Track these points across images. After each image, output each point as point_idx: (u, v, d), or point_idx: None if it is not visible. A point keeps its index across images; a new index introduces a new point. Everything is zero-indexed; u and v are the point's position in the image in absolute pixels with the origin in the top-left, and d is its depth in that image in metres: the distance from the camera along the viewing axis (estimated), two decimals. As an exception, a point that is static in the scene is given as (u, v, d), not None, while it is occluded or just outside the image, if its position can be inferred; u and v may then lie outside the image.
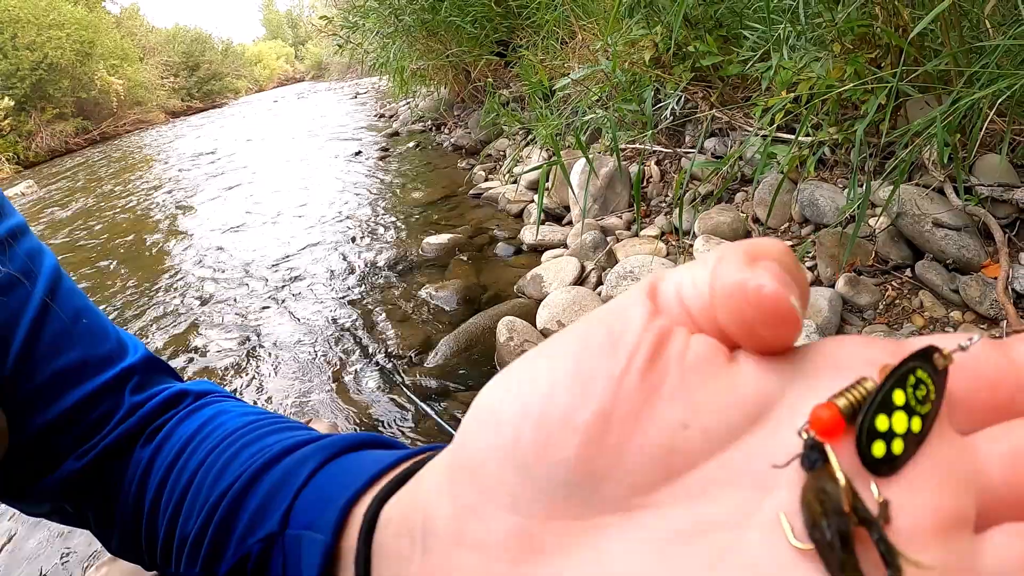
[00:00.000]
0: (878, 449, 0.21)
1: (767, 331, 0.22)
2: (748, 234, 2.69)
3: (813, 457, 0.21)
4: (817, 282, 2.30)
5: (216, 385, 0.61)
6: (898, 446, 0.21)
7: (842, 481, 0.20)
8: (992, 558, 0.20)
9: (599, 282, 2.75)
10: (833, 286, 2.22)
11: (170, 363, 0.61)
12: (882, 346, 0.23)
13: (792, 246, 2.47)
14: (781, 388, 0.22)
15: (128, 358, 0.57)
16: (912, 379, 0.22)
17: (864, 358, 0.23)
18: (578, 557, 0.22)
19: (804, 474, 0.21)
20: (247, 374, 2.81)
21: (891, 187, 2.12)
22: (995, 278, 2.03)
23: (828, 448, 0.21)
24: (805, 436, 0.21)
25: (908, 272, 2.23)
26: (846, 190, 2.41)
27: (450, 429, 2.24)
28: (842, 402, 0.21)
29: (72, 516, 0.55)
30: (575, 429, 0.22)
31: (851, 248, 2.17)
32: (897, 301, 2.16)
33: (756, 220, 2.71)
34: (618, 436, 0.22)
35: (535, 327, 2.54)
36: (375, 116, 8.35)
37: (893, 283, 2.21)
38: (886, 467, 0.21)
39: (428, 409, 2.36)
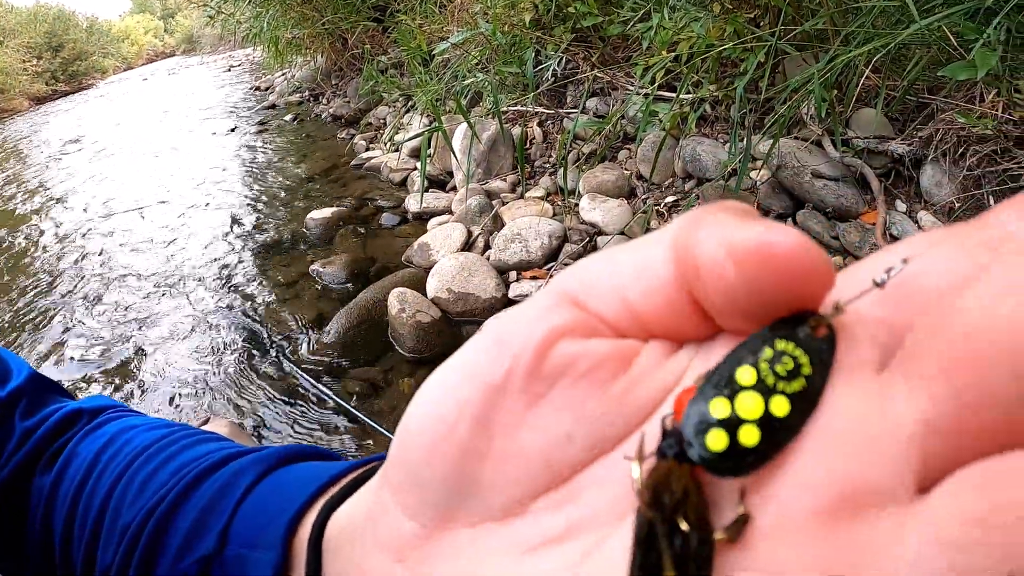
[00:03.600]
0: (715, 442, 0.18)
1: (794, 290, 0.18)
2: (633, 191, 2.72)
3: (668, 446, 0.18)
4: (702, 235, 2.31)
5: (111, 399, 0.55)
6: (750, 436, 0.17)
7: (634, 474, 0.19)
8: (921, 534, 0.15)
9: (487, 246, 2.72)
10: (718, 238, 2.24)
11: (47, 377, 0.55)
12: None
13: (676, 200, 2.53)
14: (675, 378, 0.21)
15: (13, 380, 0.52)
16: (768, 352, 0.18)
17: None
18: (464, 561, 0.22)
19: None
20: (132, 378, 2.61)
21: (771, 141, 2.18)
22: (873, 224, 2.11)
23: (643, 437, 0.19)
24: (668, 423, 0.19)
25: (790, 221, 2.28)
26: (727, 145, 2.45)
27: (349, 407, 2.19)
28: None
29: None
30: (455, 439, 0.22)
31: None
32: (779, 250, 2.21)
33: (640, 177, 2.73)
34: (498, 446, 0.21)
35: (426, 296, 2.50)
36: (250, 89, 8.02)
37: (775, 233, 2.25)
38: (736, 463, 0.17)
39: (325, 390, 2.30)
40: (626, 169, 2.80)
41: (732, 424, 0.17)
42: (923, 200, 2.14)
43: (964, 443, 0.15)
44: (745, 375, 0.18)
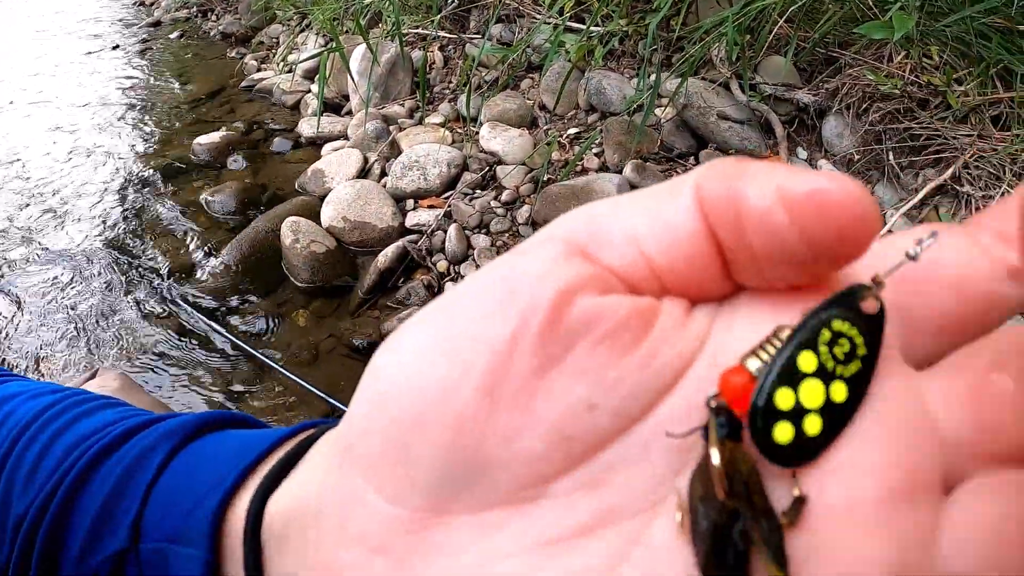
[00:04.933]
0: (782, 433, 0.17)
1: (848, 237, 0.17)
2: (535, 120, 2.70)
3: (719, 426, 0.18)
4: (604, 168, 2.34)
5: None
6: (813, 425, 0.17)
7: (715, 461, 0.17)
8: (955, 528, 0.17)
9: (383, 173, 2.66)
10: (620, 172, 2.27)
11: None
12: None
13: (579, 133, 2.52)
14: (699, 343, 0.19)
15: None
16: (826, 334, 0.18)
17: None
18: (469, 558, 0.19)
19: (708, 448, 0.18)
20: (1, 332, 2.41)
21: (679, 79, 2.21)
22: None
23: (712, 421, 0.18)
24: (713, 403, 0.18)
25: (692, 160, 2.33)
26: (634, 80, 2.46)
27: (247, 347, 2.13)
28: (754, 364, 0.18)
29: None
30: (454, 408, 0.19)
31: (639, 136, 2.22)
32: (682, 187, 2.25)
33: (543, 107, 2.71)
34: (506, 418, 0.18)
35: (321, 225, 2.45)
36: (133, 4, 7.53)
37: (678, 170, 2.31)
38: (800, 453, 0.17)
39: (217, 327, 2.23)
40: (529, 99, 2.77)
41: (796, 414, 0.17)
42: (824, 149, 2.22)
43: (974, 458, 0.17)
44: (806, 361, 0.17)
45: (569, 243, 0.20)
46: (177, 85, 4.50)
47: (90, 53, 5.80)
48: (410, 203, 2.47)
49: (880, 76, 2.01)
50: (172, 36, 5.72)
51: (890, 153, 2.07)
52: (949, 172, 1.95)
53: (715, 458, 0.17)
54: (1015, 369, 0.17)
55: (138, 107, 4.25)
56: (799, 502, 0.17)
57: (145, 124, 3.95)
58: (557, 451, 0.18)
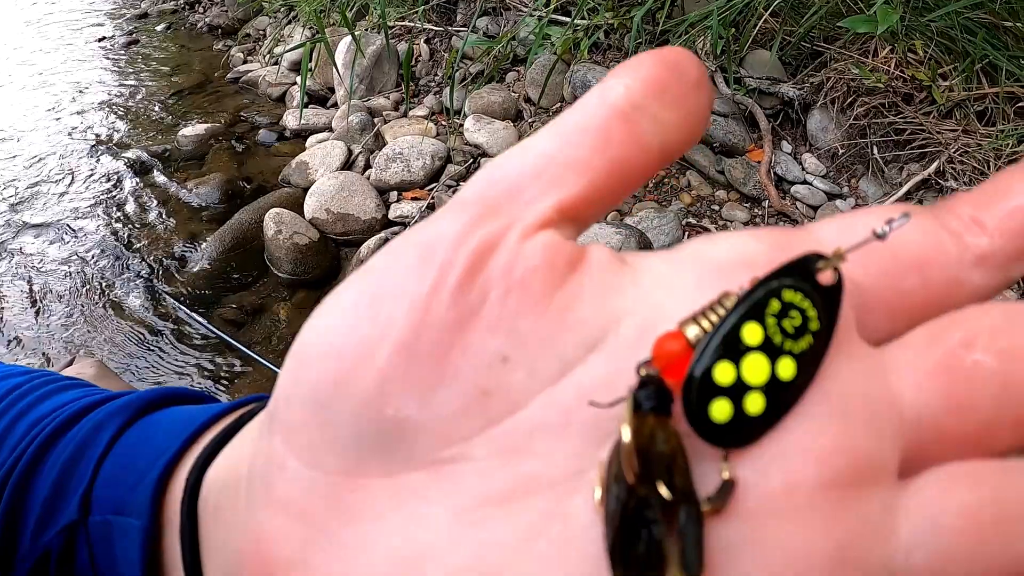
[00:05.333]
0: (719, 411, 0.16)
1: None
2: (519, 113, 2.69)
3: (645, 398, 0.16)
4: (588, 161, 2.31)
5: None
6: (755, 403, 0.16)
7: (626, 438, 0.16)
8: (916, 518, 0.16)
9: (367, 165, 2.64)
10: (604, 164, 2.25)
11: None
12: (771, 239, 0.19)
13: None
14: (632, 302, 0.18)
15: None
16: (775, 304, 0.16)
17: (741, 258, 0.18)
18: (387, 524, 0.18)
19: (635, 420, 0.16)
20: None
21: None
22: (759, 162, 2.20)
23: (629, 393, 0.16)
24: (643, 372, 0.16)
25: (676, 155, 2.32)
26: (619, 73, 2.44)
27: (228, 338, 2.12)
28: (692, 331, 0.16)
29: None
30: (373, 367, 0.18)
31: (622, 129, 2.21)
32: (666, 180, 2.26)
33: (528, 100, 2.70)
34: (424, 374, 0.18)
35: (304, 217, 2.44)
36: (121, -4, 7.52)
37: (661, 162, 2.29)
38: (738, 434, 0.16)
39: (198, 318, 2.22)
40: (514, 91, 2.76)
41: (737, 391, 0.16)
42: (808, 143, 2.24)
43: (939, 441, 0.16)
44: (751, 333, 0.16)
45: (484, 198, 0.19)
46: (163, 76, 4.49)
47: (76, 44, 5.78)
48: (394, 195, 2.46)
49: (865, 70, 2.02)
50: (159, 28, 5.69)
51: (875, 147, 2.09)
52: (933, 167, 1.95)
53: (625, 435, 0.16)
54: (991, 347, 0.16)
55: (123, 98, 4.23)
56: (728, 486, 0.16)
57: (129, 115, 3.94)
58: (473, 407, 0.18)
